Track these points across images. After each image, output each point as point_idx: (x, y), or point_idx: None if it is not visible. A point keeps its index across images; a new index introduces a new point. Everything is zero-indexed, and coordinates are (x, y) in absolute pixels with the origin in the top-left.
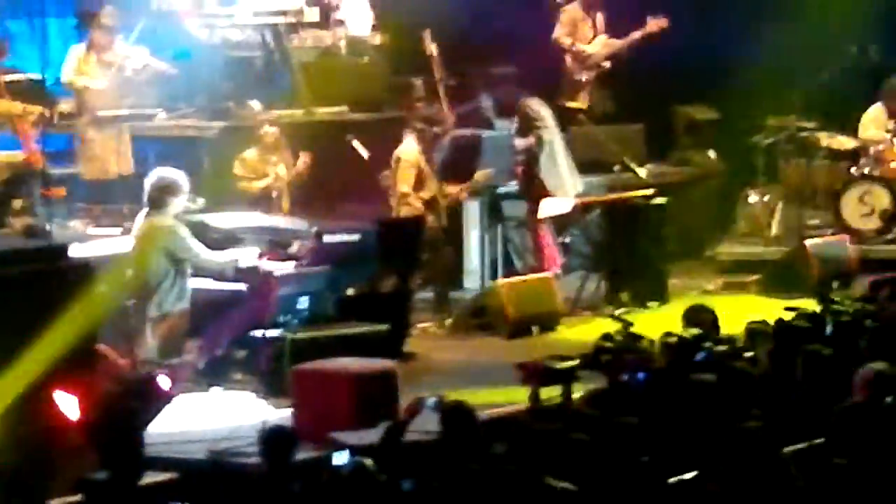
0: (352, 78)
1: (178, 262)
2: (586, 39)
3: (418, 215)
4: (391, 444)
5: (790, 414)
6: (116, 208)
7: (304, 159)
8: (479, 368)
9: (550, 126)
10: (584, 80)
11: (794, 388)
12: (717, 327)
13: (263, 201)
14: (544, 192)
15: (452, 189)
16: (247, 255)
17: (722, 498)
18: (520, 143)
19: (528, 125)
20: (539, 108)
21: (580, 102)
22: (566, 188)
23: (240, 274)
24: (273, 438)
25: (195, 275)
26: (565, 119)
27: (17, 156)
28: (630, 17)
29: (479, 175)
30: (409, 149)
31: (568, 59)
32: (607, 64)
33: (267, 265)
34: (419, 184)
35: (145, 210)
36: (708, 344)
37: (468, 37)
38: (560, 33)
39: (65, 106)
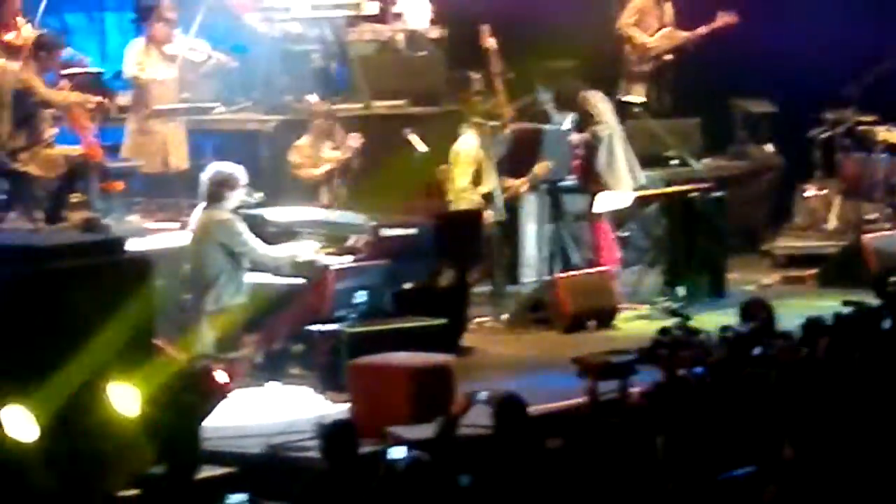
0: (409, 72)
1: (234, 257)
2: (651, 30)
3: (476, 209)
4: (445, 439)
5: (846, 409)
6: (173, 202)
7: (355, 137)
8: (536, 363)
9: (609, 120)
10: (643, 71)
11: (852, 383)
12: (773, 321)
13: (319, 190)
14: (601, 187)
15: (512, 183)
16: (304, 250)
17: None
18: (576, 137)
19: (586, 119)
20: (598, 103)
21: (638, 95)
22: (624, 183)
23: (297, 269)
24: (335, 433)
25: (252, 269)
26: (623, 113)
27: (76, 150)
28: (700, 11)
29: (539, 168)
30: (467, 143)
31: (628, 48)
32: (669, 57)
33: (325, 259)
34: (478, 178)
35: (203, 204)
36: (765, 338)
37: (526, 30)
38: (625, 21)
39: (123, 99)
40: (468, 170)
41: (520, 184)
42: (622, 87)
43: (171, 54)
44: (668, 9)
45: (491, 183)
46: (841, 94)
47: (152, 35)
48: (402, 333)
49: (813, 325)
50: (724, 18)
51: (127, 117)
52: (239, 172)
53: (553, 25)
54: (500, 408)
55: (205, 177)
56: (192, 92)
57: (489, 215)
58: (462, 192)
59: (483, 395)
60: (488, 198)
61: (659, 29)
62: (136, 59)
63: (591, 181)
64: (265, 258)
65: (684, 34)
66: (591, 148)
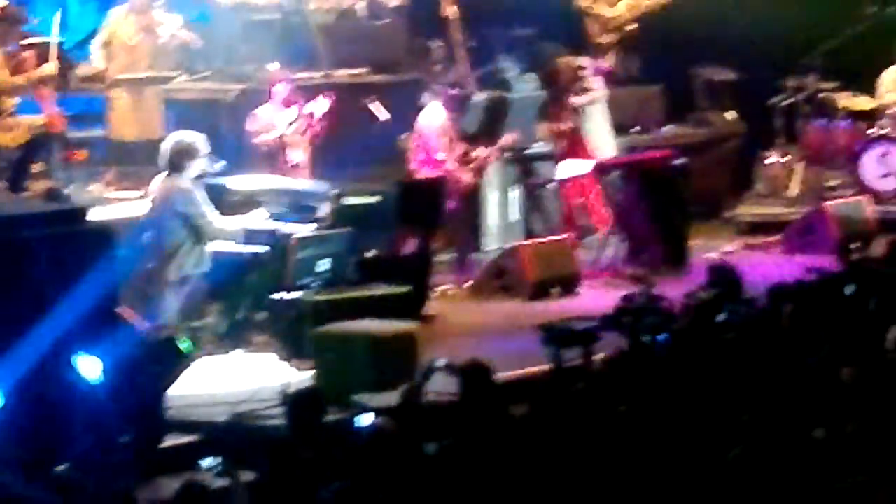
0: (370, 40)
1: (195, 226)
2: (609, 1)
3: (439, 176)
4: (410, 407)
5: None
6: (136, 171)
7: (323, 101)
8: (499, 330)
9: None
10: (606, 42)
11: (815, 349)
12: (740, 287)
13: (276, 157)
14: (585, 153)
15: (480, 152)
16: (255, 220)
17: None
18: (578, 100)
19: (574, 84)
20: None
21: (607, 64)
22: (610, 147)
23: (250, 238)
24: (302, 402)
25: (209, 239)
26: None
27: (37, 119)
28: None
29: (507, 138)
30: (435, 115)
31: (588, 21)
32: (633, 26)
33: (276, 227)
34: (449, 149)
35: (163, 173)
36: (729, 305)
37: None
38: None
39: (84, 69)
40: (444, 142)
41: (489, 154)
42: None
43: (145, 24)
44: None
45: (457, 152)
46: (802, 61)
47: (133, 4)
48: (365, 301)
49: (778, 292)
50: None
51: (90, 86)
52: (199, 142)
53: None
54: (466, 375)
55: (165, 146)
56: (158, 62)
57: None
58: (440, 164)
59: (441, 362)
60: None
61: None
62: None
63: (580, 147)
64: (219, 231)
65: (647, 2)
66: (581, 113)
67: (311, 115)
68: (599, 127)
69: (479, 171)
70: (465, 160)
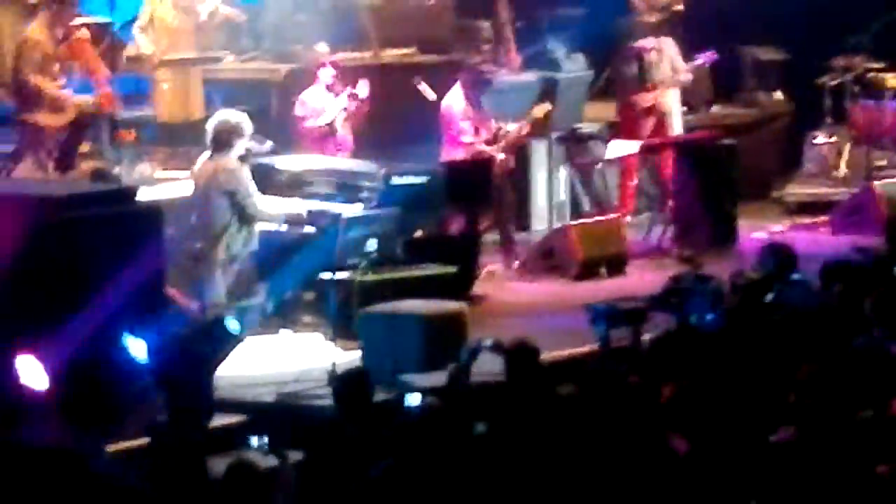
0: (419, 20)
1: (240, 205)
2: None
3: (486, 157)
4: (457, 386)
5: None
6: (184, 151)
7: (363, 85)
8: (547, 310)
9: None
10: (652, 21)
11: (863, 329)
12: (793, 266)
13: (326, 140)
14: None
15: (510, 128)
16: (297, 205)
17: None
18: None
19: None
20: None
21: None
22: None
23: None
24: (349, 382)
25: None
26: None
27: (88, 99)
28: None
29: (537, 110)
30: (455, 98)
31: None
32: (679, 7)
33: (323, 205)
34: (476, 131)
35: (207, 152)
36: (778, 284)
37: None
38: None
39: (132, 50)
40: (465, 124)
41: (519, 128)
42: (634, 38)
43: (184, 5)
44: None
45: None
46: (851, 40)
47: None
48: (413, 281)
49: (830, 271)
50: None
51: (139, 66)
52: (245, 121)
53: None
54: (512, 355)
55: (210, 125)
56: (203, 41)
57: (500, 161)
58: (470, 146)
59: (488, 342)
60: (491, 144)
61: None
62: (150, 8)
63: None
64: (262, 213)
65: None
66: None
67: (357, 96)
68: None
69: (513, 148)
70: (496, 138)
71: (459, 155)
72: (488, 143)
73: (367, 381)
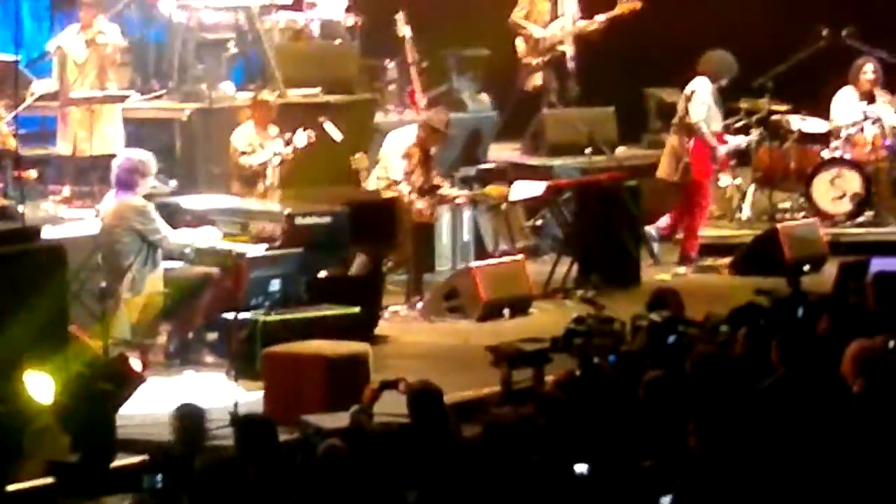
0: (324, 60)
1: (149, 243)
2: (542, 22)
3: (391, 197)
4: (359, 429)
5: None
6: (88, 190)
7: (302, 135)
8: (450, 351)
9: None
10: (535, 63)
11: (768, 371)
12: (682, 310)
13: (257, 179)
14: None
15: (449, 192)
16: (208, 237)
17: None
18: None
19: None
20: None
21: (534, 85)
22: None
23: (200, 255)
24: (252, 423)
25: (165, 257)
26: (530, 102)
27: None
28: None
29: (492, 190)
30: (404, 138)
31: (519, 42)
32: (565, 48)
33: (228, 246)
34: (409, 175)
35: (113, 191)
36: (680, 327)
37: (441, 18)
38: (515, 14)
39: (38, 87)
40: (402, 164)
41: (455, 196)
42: (519, 79)
43: (90, 39)
44: (568, 1)
45: (423, 179)
46: (755, 83)
47: (81, 20)
48: (316, 322)
49: (737, 314)
50: (626, 5)
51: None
52: (150, 160)
53: (466, 13)
54: (416, 396)
55: (116, 164)
56: (108, 79)
57: (424, 208)
58: (394, 184)
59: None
60: (421, 192)
61: (552, 20)
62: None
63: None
64: (175, 246)
65: (582, 23)
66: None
67: (295, 146)
68: None
69: (436, 207)
70: (429, 190)
71: (388, 193)
72: (421, 190)
73: (270, 423)
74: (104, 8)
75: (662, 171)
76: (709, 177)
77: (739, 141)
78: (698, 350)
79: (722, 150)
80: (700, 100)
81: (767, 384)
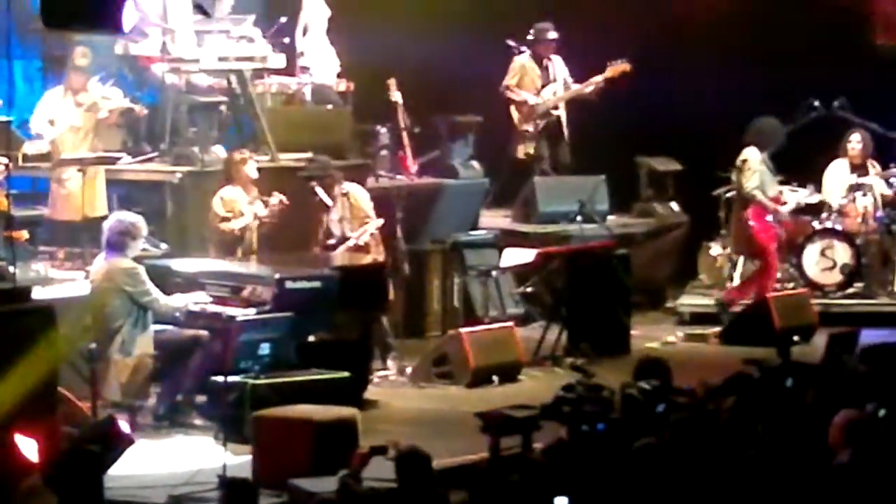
0: (316, 125)
1: (139, 305)
2: (534, 89)
3: (380, 261)
4: (348, 493)
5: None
6: (79, 251)
7: (279, 198)
8: (439, 417)
9: None
10: (529, 130)
11: (755, 442)
12: (669, 380)
13: (235, 244)
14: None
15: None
16: (198, 300)
17: None
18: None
19: None
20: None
21: (527, 152)
22: None
23: (190, 318)
24: (237, 488)
25: (155, 320)
26: (521, 170)
27: None
28: (596, 65)
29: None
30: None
31: (512, 109)
32: (558, 113)
33: (219, 309)
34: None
35: (104, 253)
36: (668, 395)
37: (433, 85)
38: (506, 82)
39: (30, 148)
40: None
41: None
42: (512, 146)
43: (82, 102)
44: (557, 66)
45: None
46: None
47: (69, 83)
48: (305, 386)
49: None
50: (616, 68)
51: (36, 166)
52: (140, 222)
53: (459, 80)
54: (404, 462)
55: (106, 226)
56: (100, 141)
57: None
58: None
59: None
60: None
61: (544, 86)
62: (49, 111)
63: None
64: (164, 307)
65: (573, 89)
66: None
67: (272, 208)
68: None
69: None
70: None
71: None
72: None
73: (253, 489)
74: (94, 71)
75: (733, 244)
76: (774, 241)
77: (800, 196)
78: (681, 417)
79: (785, 210)
80: (752, 168)
81: (752, 454)
